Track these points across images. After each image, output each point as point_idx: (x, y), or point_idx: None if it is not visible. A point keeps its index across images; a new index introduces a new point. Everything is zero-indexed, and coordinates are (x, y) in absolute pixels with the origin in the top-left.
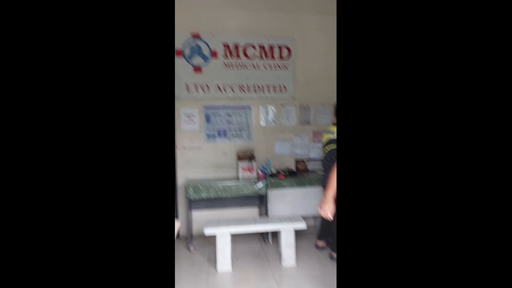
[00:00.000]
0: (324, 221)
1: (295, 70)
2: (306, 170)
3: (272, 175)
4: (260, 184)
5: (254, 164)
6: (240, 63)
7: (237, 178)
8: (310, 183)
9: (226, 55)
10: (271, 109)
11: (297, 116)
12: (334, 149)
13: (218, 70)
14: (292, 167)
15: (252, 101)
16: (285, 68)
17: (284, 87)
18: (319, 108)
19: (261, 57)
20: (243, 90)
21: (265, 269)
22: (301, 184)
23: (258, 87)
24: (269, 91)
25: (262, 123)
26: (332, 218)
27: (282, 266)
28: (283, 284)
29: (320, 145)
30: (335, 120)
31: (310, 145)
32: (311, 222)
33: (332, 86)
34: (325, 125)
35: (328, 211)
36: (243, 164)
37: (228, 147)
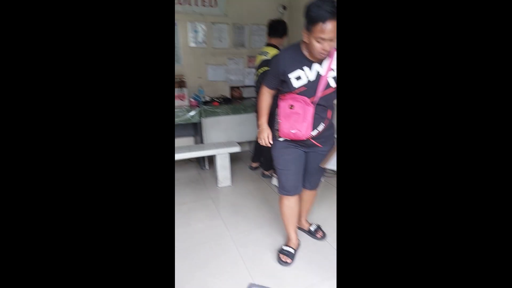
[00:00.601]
0: (257, 144)
1: None
2: (242, 97)
3: (205, 103)
4: (192, 112)
5: (186, 91)
6: None
7: None
8: (245, 110)
9: None
10: (201, 27)
11: (230, 37)
12: (267, 70)
13: None
14: (227, 94)
15: (177, 15)
16: None
17: (215, 0)
18: (254, 28)
19: None
20: None
21: (201, 191)
22: (236, 111)
23: None
24: (196, 4)
25: (191, 43)
26: (272, 143)
27: (218, 186)
28: (219, 200)
29: (254, 70)
30: (269, 41)
31: (245, 71)
32: (247, 148)
33: (267, 4)
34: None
35: (266, 138)
36: None
37: None
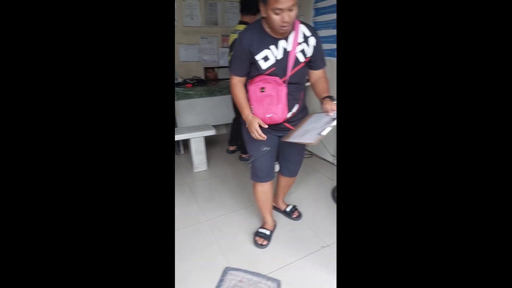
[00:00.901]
0: (233, 126)
1: None
2: (216, 79)
3: (178, 85)
4: None
5: None
6: None
7: None
8: (221, 91)
9: None
10: None
11: (203, 15)
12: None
13: None
14: (201, 75)
15: None
16: None
17: None
18: (227, 5)
19: None
20: None
21: (177, 177)
22: (211, 93)
23: None
24: None
25: None
26: (263, 136)
27: (194, 171)
28: (195, 186)
29: (228, 50)
30: (242, 18)
31: (219, 50)
32: (224, 131)
33: None
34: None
35: (258, 129)
36: None
37: None
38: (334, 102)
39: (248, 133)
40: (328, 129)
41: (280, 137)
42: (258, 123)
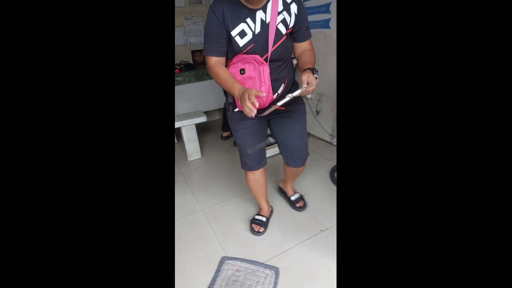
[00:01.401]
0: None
1: None
2: (205, 62)
3: None
4: None
5: None
6: None
7: None
8: (210, 75)
9: None
10: None
11: None
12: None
13: None
14: (189, 59)
15: None
16: None
17: None
18: None
19: None
20: None
21: None
22: (200, 78)
23: None
24: None
25: None
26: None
27: (188, 160)
28: (189, 175)
29: None
30: None
31: None
32: (217, 116)
33: None
34: None
35: (250, 104)
36: None
37: None
38: (314, 74)
39: (234, 125)
40: (298, 92)
41: (267, 120)
42: (255, 93)
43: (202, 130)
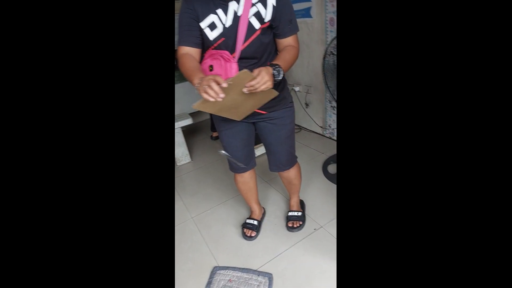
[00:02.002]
0: None
1: None
2: None
3: None
4: None
5: None
6: None
7: None
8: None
9: None
10: None
11: None
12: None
13: None
14: None
15: None
16: None
17: None
18: None
19: None
20: None
21: None
22: (184, 78)
23: None
24: None
25: None
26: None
27: (177, 165)
28: (179, 180)
29: None
30: None
31: None
32: (206, 116)
33: None
34: None
35: (210, 85)
36: None
37: None
38: (269, 70)
39: (218, 126)
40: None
41: (253, 123)
42: (214, 79)
43: (190, 132)
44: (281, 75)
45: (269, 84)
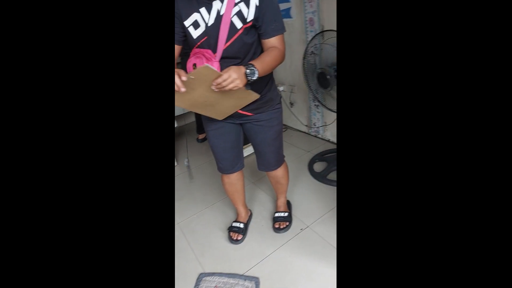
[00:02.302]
0: (198, 114)
1: None
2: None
3: None
4: None
5: None
6: None
7: None
8: None
9: None
10: None
11: None
12: None
13: None
14: None
15: None
16: None
17: None
18: None
19: None
20: None
21: None
22: None
23: None
24: None
25: None
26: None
27: None
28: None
29: None
30: None
31: None
32: (192, 118)
33: None
34: None
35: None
36: None
37: None
38: (241, 70)
39: (205, 125)
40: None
41: (240, 124)
42: (177, 73)
43: (176, 135)
44: (256, 76)
45: (237, 83)
